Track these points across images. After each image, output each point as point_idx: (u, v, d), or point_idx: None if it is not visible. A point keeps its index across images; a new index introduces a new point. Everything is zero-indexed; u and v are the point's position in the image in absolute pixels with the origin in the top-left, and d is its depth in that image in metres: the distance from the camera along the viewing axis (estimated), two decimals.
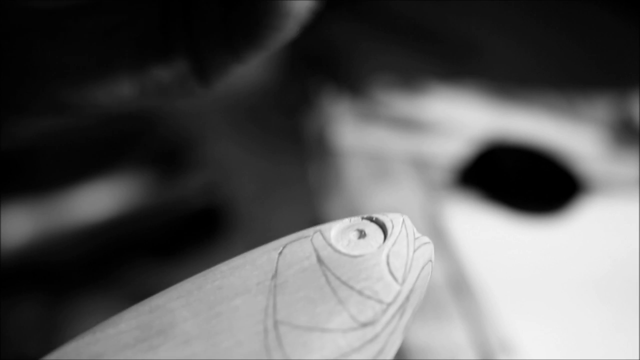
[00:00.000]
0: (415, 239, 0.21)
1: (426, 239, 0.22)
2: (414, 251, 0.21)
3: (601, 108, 0.73)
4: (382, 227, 0.21)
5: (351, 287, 0.20)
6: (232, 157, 0.95)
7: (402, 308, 0.20)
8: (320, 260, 0.20)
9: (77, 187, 0.75)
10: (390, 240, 0.21)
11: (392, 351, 0.19)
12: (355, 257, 0.20)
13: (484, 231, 0.55)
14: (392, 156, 0.62)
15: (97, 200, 0.75)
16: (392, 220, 0.21)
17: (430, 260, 0.21)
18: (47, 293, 0.73)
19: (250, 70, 1.23)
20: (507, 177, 0.59)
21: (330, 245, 0.21)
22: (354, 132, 0.64)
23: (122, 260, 0.77)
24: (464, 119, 0.68)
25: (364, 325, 0.19)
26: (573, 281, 0.51)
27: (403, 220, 0.21)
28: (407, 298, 0.20)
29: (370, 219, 0.22)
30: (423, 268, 0.21)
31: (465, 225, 0.55)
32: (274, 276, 0.20)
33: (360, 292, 0.19)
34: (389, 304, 0.19)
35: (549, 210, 0.57)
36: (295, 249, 0.21)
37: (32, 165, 0.74)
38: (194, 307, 0.19)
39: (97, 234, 0.75)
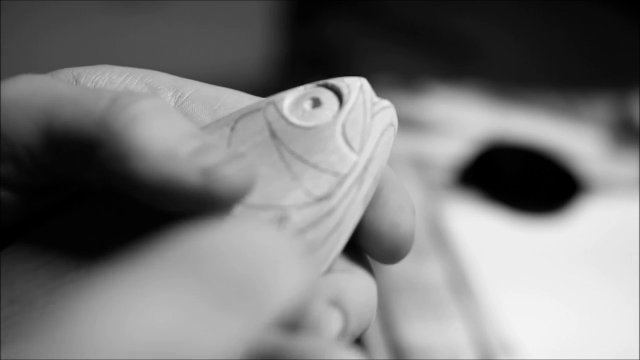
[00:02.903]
0: (373, 103, 0.20)
1: (386, 102, 0.20)
2: (372, 117, 0.19)
3: (601, 108, 0.73)
4: (338, 93, 0.20)
5: (305, 161, 0.19)
6: None
7: (360, 179, 0.19)
8: (273, 134, 0.19)
9: None
10: (346, 107, 0.19)
11: (351, 222, 0.19)
12: (309, 128, 0.19)
13: (484, 231, 0.55)
14: (392, 156, 0.62)
15: None
16: (348, 85, 0.20)
17: (392, 125, 0.20)
18: None
19: (249, 70, 1.23)
20: (507, 177, 0.59)
21: (283, 117, 0.19)
22: None
23: None
24: (464, 119, 0.68)
25: (320, 199, 0.18)
26: (573, 281, 0.51)
27: (361, 85, 0.20)
28: (366, 167, 0.19)
29: (326, 86, 0.20)
30: (383, 134, 0.19)
31: (465, 225, 0.55)
32: None
33: (315, 166, 0.19)
34: (345, 176, 0.19)
35: (549, 210, 0.57)
36: (247, 124, 0.19)
37: None
38: None
39: None
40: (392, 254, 0.20)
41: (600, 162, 0.65)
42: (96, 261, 0.18)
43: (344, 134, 0.19)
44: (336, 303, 0.18)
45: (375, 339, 0.46)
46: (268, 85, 1.17)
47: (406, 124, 0.67)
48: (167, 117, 0.17)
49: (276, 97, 0.20)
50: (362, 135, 0.19)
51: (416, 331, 0.46)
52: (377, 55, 0.78)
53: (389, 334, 0.46)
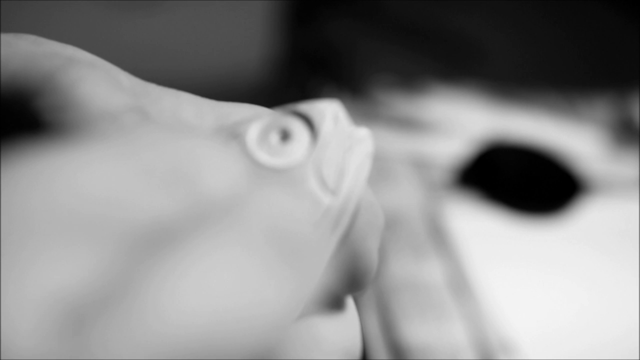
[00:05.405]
0: (349, 136, 0.18)
1: (363, 132, 0.18)
2: (349, 152, 0.18)
3: (601, 108, 0.73)
4: (310, 122, 0.18)
5: None
6: None
7: (335, 222, 0.17)
8: None
9: None
10: (318, 142, 0.17)
11: (322, 266, 0.17)
12: (277, 169, 0.17)
13: (484, 231, 0.55)
14: (392, 156, 0.62)
15: None
16: (320, 112, 0.18)
17: (368, 155, 0.18)
18: None
19: (249, 70, 1.23)
20: (507, 177, 0.59)
21: (248, 154, 0.17)
22: None
23: None
24: (464, 119, 0.68)
25: None
26: (572, 281, 0.51)
27: (334, 114, 0.18)
28: (342, 209, 0.17)
29: (295, 113, 0.18)
30: (360, 169, 0.18)
31: (465, 225, 0.55)
32: None
33: None
34: (319, 223, 0.17)
35: (549, 210, 0.57)
36: None
37: None
38: None
39: None
40: (349, 285, 0.18)
41: (600, 162, 0.65)
42: None
43: (317, 174, 0.17)
44: None
45: (376, 339, 0.46)
46: (267, 85, 1.17)
47: (406, 124, 0.67)
48: (115, 88, 0.18)
49: (240, 128, 0.18)
50: (338, 175, 0.17)
51: (416, 331, 0.46)
52: (378, 55, 0.78)
53: (389, 334, 0.46)
